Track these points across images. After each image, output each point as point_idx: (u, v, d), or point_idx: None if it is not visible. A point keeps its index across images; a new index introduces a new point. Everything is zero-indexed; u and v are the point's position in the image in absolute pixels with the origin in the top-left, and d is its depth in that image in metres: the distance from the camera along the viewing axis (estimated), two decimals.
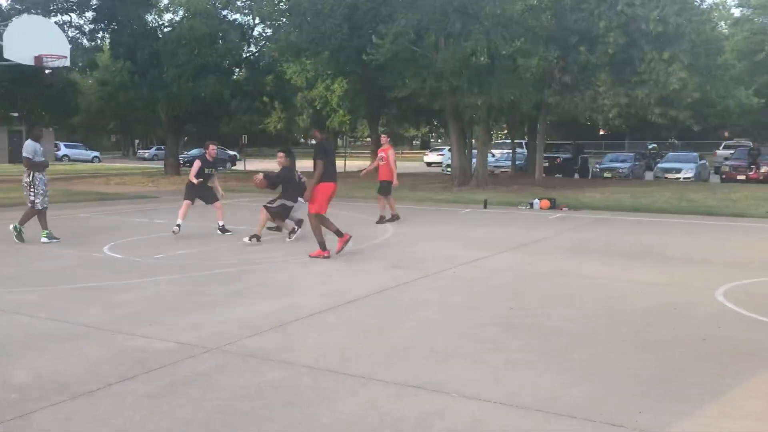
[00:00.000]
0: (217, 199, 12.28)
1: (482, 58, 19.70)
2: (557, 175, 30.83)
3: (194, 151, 49.47)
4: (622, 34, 20.67)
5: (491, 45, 19.91)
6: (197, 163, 12.18)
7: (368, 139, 46.72)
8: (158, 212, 12.35)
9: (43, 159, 10.93)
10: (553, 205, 16.99)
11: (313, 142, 12.91)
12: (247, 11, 30.41)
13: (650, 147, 44.62)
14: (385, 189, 13.70)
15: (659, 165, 30.65)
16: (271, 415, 3.96)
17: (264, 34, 32.84)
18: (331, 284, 7.68)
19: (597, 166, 31.88)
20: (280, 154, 11.76)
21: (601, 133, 60.56)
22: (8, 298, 6.86)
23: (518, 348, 5.30)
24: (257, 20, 31.33)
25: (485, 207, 17.17)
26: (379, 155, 13.95)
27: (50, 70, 22.83)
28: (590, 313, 6.45)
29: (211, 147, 12.28)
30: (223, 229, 11.95)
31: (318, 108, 51.53)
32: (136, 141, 72.68)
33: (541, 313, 6.40)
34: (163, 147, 34.15)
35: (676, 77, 20.62)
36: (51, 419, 3.88)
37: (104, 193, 20.66)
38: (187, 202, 12.00)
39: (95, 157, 54.11)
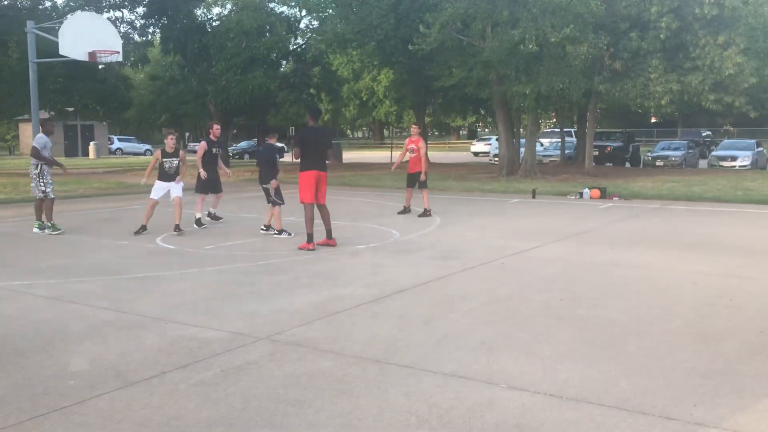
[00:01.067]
0: (222, 190, 12.43)
1: (530, 46, 19.43)
2: (608, 164, 30.29)
3: (243, 144, 50.18)
4: (674, 18, 20.13)
5: (539, 32, 19.62)
6: (203, 145, 12.10)
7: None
8: (207, 204, 12.54)
9: (49, 155, 11.14)
10: (604, 195, 16.70)
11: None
12: (293, 3, 30.57)
13: (704, 134, 43.48)
14: (414, 181, 13.33)
15: (714, 153, 29.84)
16: (321, 404, 4.00)
17: (310, 26, 33.03)
18: (380, 275, 7.71)
19: (648, 154, 31.22)
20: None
21: (653, 120, 59.27)
22: (66, 288, 7.08)
23: (568, 339, 5.24)
24: (304, 12, 31.51)
25: (534, 197, 16.98)
26: (408, 147, 13.58)
27: (103, 66, 23.42)
28: (642, 304, 6.33)
29: (215, 126, 12.37)
30: (215, 217, 12.20)
31: (364, 99, 51.71)
32: (187, 134, 73.97)
33: (592, 305, 6.31)
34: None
35: (732, 62, 20.00)
36: (108, 406, 3.99)
37: None
38: (200, 195, 12.03)
39: (147, 150, 55.24)
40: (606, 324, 5.66)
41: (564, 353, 4.91)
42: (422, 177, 13.22)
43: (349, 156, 42.88)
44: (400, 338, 5.28)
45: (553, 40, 19.40)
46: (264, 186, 11.08)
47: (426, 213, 13.14)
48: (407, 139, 13.80)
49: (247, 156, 46.43)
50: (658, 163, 29.33)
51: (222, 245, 9.82)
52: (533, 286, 7.13)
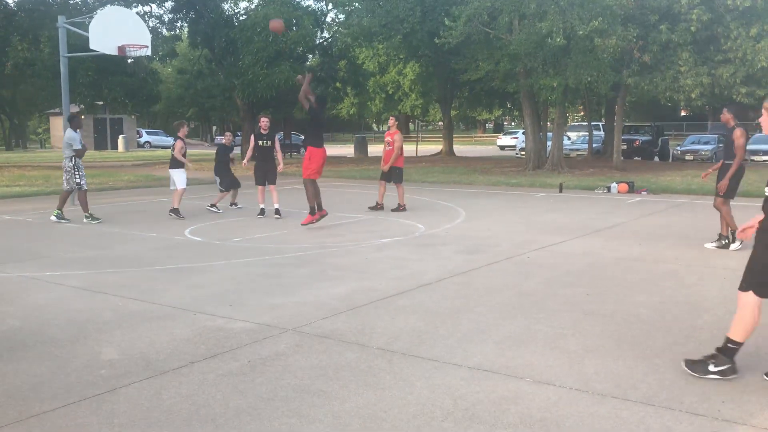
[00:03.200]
0: (274, 182, 12.54)
1: (558, 39, 19.26)
2: (636, 158, 30.00)
3: None
4: (705, 10, 19.82)
5: (567, 25, 19.45)
6: (251, 138, 12.61)
7: (440, 123, 46.50)
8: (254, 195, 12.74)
9: (80, 146, 11.76)
10: (632, 189, 16.54)
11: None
12: None
13: None
14: (389, 175, 13.13)
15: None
16: (346, 395, 4.04)
17: (337, 20, 33.10)
18: (405, 268, 7.73)
19: (678, 148, 30.84)
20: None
21: (683, 114, 58.44)
22: (97, 279, 7.20)
23: (594, 334, 5.22)
24: (330, 6, 31.59)
25: (561, 191, 16.87)
26: (385, 139, 13.36)
27: (132, 60, 23.68)
28: (670, 299, 6.28)
29: (263, 120, 12.61)
30: (277, 212, 12.26)
31: (390, 93, 51.68)
32: (214, 127, 74.55)
33: (619, 300, 6.27)
34: (239, 133, 34.91)
35: (765, 54, 19.64)
36: (138, 395, 4.06)
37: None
38: (259, 187, 12.45)
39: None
40: (633, 319, 5.62)
41: (590, 348, 4.89)
42: (383, 167, 13.16)
43: (374, 149, 42.88)
44: (426, 331, 5.30)
45: (581, 32, 19.22)
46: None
47: (400, 208, 12.92)
48: (386, 132, 13.61)
49: None
50: (688, 157, 28.96)
51: (249, 237, 9.91)
52: (559, 280, 7.10)
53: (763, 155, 26.83)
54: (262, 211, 12.15)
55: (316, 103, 10.64)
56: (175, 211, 12.05)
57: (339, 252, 8.77)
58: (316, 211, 10.47)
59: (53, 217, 11.75)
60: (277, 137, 12.61)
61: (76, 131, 11.75)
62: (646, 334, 5.23)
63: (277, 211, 12.10)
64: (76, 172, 11.66)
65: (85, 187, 11.85)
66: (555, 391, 4.11)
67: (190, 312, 5.86)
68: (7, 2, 27.81)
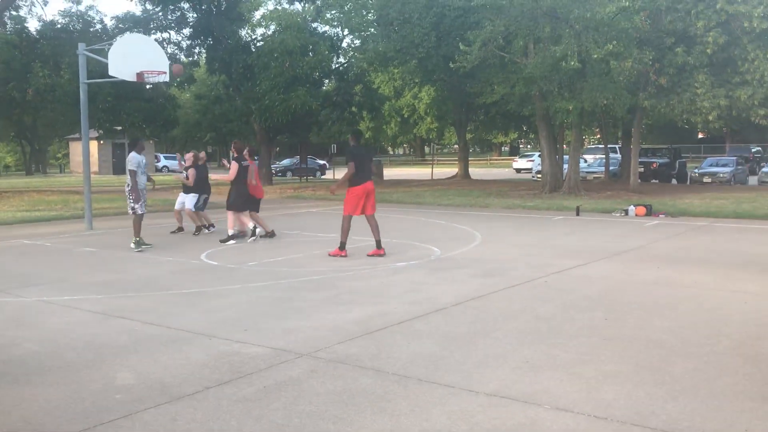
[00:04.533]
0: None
1: (573, 63, 19.29)
2: (653, 181, 29.81)
3: (285, 161, 50.76)
4: (722, 33, 19.78)
5: (582, 49, 19.48)
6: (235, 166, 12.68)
7: (456, 146, 46.59)
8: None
9: (142, 172, 11.56)
10: (650, 212, 16.41)
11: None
12: (336, 23, 30.98)
13: (754, 150, 42.44)
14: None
15: (764, 169, 29.10)
16: (361, 422, 4.00)
17: (352, 45, 33.40)
18: (420, 292, 7.69)
19: (696, 170, 30.62)
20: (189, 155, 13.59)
21: (700, 136, 58.10)
22: (113, 303, 7.23)
23: (613, 360, 5.14)
24: (346, 31, 31.88)
25: (578, 214, 16.78)
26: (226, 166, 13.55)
27: (150, 86, 23.96)
28: (690, 324, 6.19)
29: (247, 149, 13.15)
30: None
31: (406, 116, 51.93)
32: (231, 152, 75.11)
33: (638, 325, 6.19)
34: (256, 157, 35.17)
35: None
36: (153, 420, 4.05)
37: None
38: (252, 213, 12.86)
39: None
40: (652, 344, 5.54)
41: (609, 374, 4.82)
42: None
43: (390, 173, 43.02)
44: (442, 356, 5.26)
45: (596, 56, 19.24)
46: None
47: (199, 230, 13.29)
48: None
49: (289, 173, 46.94)
50: (706, 179, 28.74)
51: (264, 261, 9.93)
52: (577, 305, 7.03)
53: None
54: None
55: (353, 140, 10.60)
56: (200, 228, 13.07)
57: (354, 276, 8.76)
58: (377, 248, 10.34)
59: (132, 246, 11.22)
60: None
61: (140, 154, 11.59)
62: (666, 359, 5.15)
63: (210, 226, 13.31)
64: (131, 196, 11.34)
65: (139, 212, 11.36)
66: (573, 417, 4.05)
67: (206, 336, 5.86)
68: (29, 30, 28.36)
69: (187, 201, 13.26)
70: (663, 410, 4.14)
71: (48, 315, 6.76)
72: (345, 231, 10.32)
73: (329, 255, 10.30)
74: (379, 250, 10.31)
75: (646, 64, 20.48)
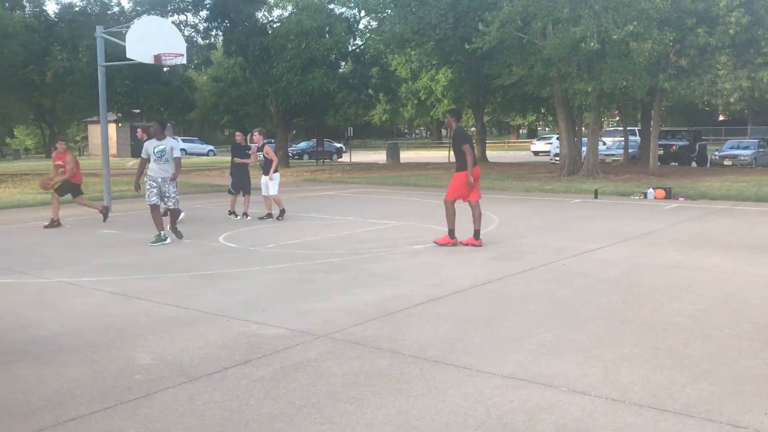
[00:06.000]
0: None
1: (592, 44, 19.06)
2: (673, 164, 29.52)
3: (302, 144, 50.80)
4: (745, 13, 19.45)
5: (601, 30, 19.23)
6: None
7: (473, 128, 46.31)
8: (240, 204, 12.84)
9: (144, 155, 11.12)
10: (669, 195, 16.26)
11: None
12: (352, 4, 30.80)
13: None
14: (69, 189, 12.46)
15: None
16: (378, 403, 4.02)
17: (369, 27, 33.19)
18: (438, 275, 7.69)
19: (716, 153, 30.26)
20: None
21: (721, 118, 57.40)
22: (133, 285, 7.30)
23: (631, 343, 5.12)
24: (363, 13, 31.70)
25: (596, 197, 16.66)
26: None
27: (168, 68, 24.00)
28: (709, 308, 6.14)
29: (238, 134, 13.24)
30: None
31: (423, 98, 51.68)
32: (248, 135, 75.31)
33: (656, 308, 6.15)
34: (273, 140, 35.22)
35: None
36: (172, 400, 4.09)
37: (219, 186, 21.54)
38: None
39: (210, 150, 56.45)
40: (671, 328, 5.51)
41: (626, 357, 4.80)
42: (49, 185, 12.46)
43: (406, 156, 42.92)
44: (459, 339, 5.26)
45: (615, 37, 18.99)
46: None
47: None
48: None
49: (306, 156, 46.98)
50: (727, 162, 28.40)
51: (282, 244, 9.96)
52: (595, 288, 7.00)
53: None
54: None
55: (455, 121, 9.82)
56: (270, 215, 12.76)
57: (371, 258, 8.77)
58: (474, 237, 9.58)
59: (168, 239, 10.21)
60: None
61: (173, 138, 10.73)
62: (685, 342, 5.12)
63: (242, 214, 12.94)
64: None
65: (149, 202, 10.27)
66: (591, 400, 4.04)
67: (224, 317, 5.90)
68: (48, 13, 28.47)
69: (271, 186, 12.60)
70: (682, 393, 4.12)
71: (68, 296, 6.83)
72: (451, 217, 9.55)
73: (436, 243, 9.56)
74: (476, 241, 9.51)
75: (667, 45, 20.19)
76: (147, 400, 4.10)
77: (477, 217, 9.60)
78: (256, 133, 13.06)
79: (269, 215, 12.81)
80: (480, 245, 9.48)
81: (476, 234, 9.58)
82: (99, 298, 6.70)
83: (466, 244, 9.54)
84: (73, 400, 4.09)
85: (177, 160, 10.26)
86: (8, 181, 24.18)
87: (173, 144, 10.28)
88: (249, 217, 12.88)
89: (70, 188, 12.46)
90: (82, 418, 3.84)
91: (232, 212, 13.14)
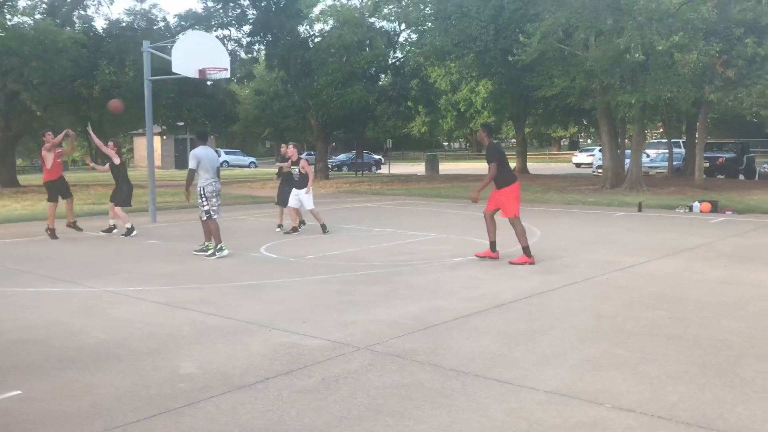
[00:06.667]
0: (118, 203, 12.72)
1: (636, 55, 18.80)
2: (719, 176, 28.89)
3: (341, 156, 51.10)
4: None
5: (645, 41, 18.97)
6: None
7: (513, 140, 46.06)
8: (308, 215, 12.86)
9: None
10: (715, 209, 15.91)
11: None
12: (393, 18, 30.99)
13: None
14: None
15: None
16: (419, 416, 4.00)
17: (409, 40, 33.33)
18: (479, 288, 7.64)
19: (765, 166, 29.49)
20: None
21: None
22: (176, 294, 7.41)
23: (677, 360, 5.01)
24: (403, 26, 31.86)
25: (640, 210, 16.39)
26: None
27: (212, 82, 24.44)
28: (759, 325, 5.97)
29: (295, 148, 12.93)
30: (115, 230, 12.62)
31: (462, 110, 51.60)
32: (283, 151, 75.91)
33: (703, 324, 6.01)
34: (313, 152, 35.50)
35: None
36: (215, 409, 4.14)
37: (260, 197, 21.80)
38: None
39: (252, 162, 57.17)
40: (719, 345, 5.38)
41: (673, 374, 4.70)
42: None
43: (445, 167, 42.83)
44: (500, 353, 5.21)
45: (660, 48, 18.70)
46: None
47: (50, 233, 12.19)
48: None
49: (345, 168, 47.22)
50: None
51: (322, 255, 10.01)
52: (640, 303, 6.87)
53: None
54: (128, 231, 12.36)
55: (487, 137, 9.50)
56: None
57: (411, 270, 8.76)
58: (492, 250, 9.42)
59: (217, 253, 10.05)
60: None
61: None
62: (734, 360, 4.99)
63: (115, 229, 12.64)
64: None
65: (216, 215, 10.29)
66: (636, 418, 3.96)
67: (266, 328, 5.95)
68: (96, 29, 29.21)
69: (305, 201, 12.42)
70: (732, 413, 4.01)
71: (114, 305, 6.97)
72: (521, 234, 9.19)
73: (477, 256, 9.40)
74: (493, 253, 9.38)
75: (713, 56, 19.80)
76: (191, 408, 4.15)
77: (520, 234, 9.23)
78: (290, 147, 12.82)
79: (280, 226, 12.95)
80: (533, 262, 9.13)
81: (526, 251, 9.20)
82: (144, 308, 6.82)
83: (515, 263, 9.13)
84: (121, 408, 4.16)
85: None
86: None
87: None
88: (304, 226, 13.01)
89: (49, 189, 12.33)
90: (129, 425, 3.91)
91: (294, 228, 12.76)
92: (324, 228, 12.55)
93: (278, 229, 12.93)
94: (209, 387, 4.51)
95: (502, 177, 9.27)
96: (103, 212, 17.13)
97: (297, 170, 12.56)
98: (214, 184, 10.16)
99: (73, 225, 12.58)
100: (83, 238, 12.29)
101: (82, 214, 16.85)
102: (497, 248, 9.49)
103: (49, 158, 12.23)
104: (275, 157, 66.52)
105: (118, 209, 12.52)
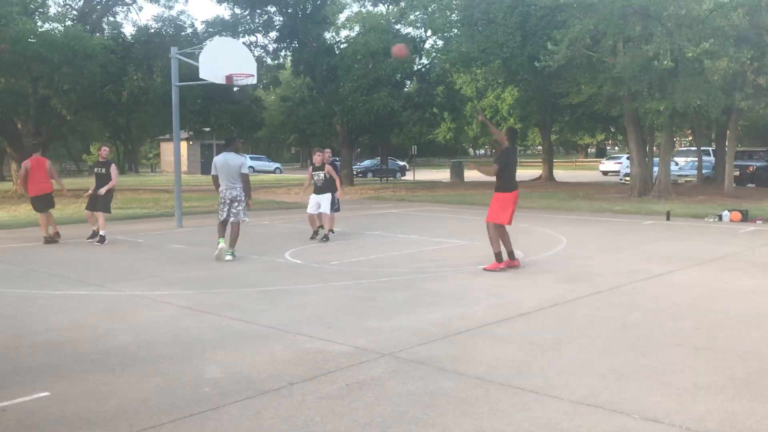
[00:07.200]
0: (104, 210, 12.58)
1: (666, 62, 18.60)
2: (750, 185, 28.43)
3: (366, 162, 51.22)
4: None
5: (674, 47, 18.77)
6: (310, 169, 12.95)
7: (540, 147, 45.80)
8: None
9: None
10: (746, 218, 15.66)
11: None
12: (419, 24, 31.00)
13: None
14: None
15: None
16: (443, 423, 3.98)
17: (435, 46, 33.33)
18: (503, 296, 7.59)
19: None
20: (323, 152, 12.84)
21: None
22: (201, 299, 7.46)
23: (706, 371, 4.93)
24: (429, 32, 31.86)
25: (668, 219, 16.18)
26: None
27: (238, 88, 24.63)
28: None
29: (103, 149, 13.11)
30: (96, 236, 12.36)
31: (488, 117, 51.45)
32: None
33: (732, 335, 5.91)
34: (338, 159, 35.66)
35: None
36: (239, 414, 4.15)
37: (285, 203, 21.92)
38: (86, 212, 12.77)
39: (277, 168, 57.49)
40: (749, 356, 5.28)
41: (701, 385, 4.62)
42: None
43: (470, 174, 42.70)
44: (525, 362, 5.17)
45: (689, 55, 18.48)
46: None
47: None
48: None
49: (370, 174, 47.30)
50: None
51: (346, 261, 10.03)
52: (667, 312, 6.77)
53: None
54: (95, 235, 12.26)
55: (507, 140, 9.44)
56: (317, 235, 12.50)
57: (435, 277, 8.73)
58: (503, 259, 9.24)
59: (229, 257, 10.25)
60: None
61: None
62: (764, 372, 4.90)
63: (96, 236, 12.26)
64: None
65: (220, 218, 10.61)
66: (664, 429, 3.90)
67: (290, 333, 5.96)
68: (125, 35, 29.65)
69: (323, 203, 12.44)
70: (762, 425, 3.93)
71: (140, 309, 7.04)
72: (495, 240, 9.11)
73: (484, 270, 9.14)
74: (513, 261, 9.30)
75: (744, 63, 19.51)
76: (215, 413, 4.17)
77: (493, 239, 9.18)
78: (318, 154, 12.84)
79: (324, 236, 12.41)
80: (518, 265, 9.27)
81: (510, 255, 9.28)
82: (169, 312, 6.88)
83: (504, 267, 9.14)
84: (147, 411, 4.19)
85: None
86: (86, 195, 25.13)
87: None
88: (333, 233, 12.74)
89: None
90: (154, 428, 3.93)
91: (315, 232, 12.69)
92: (324, 237, 12.29)
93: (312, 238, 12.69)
94: (233, 391, 4.53)
95: (502, 182, 9.29)
96: (127, 217, 17.34)
97: (322, 175, 12.57)
98: (224, 191, 10.46)
99: (51, 237, 12.43)
100: (110, 243, 12.43)
101: (109, 219, 17.05)
102: (515, 256, 9.44)
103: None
104: (310, 163, 66.53)
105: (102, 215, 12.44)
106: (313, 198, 12.62)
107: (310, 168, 13.01)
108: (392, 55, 10.41)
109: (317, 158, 12.75)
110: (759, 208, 17.81)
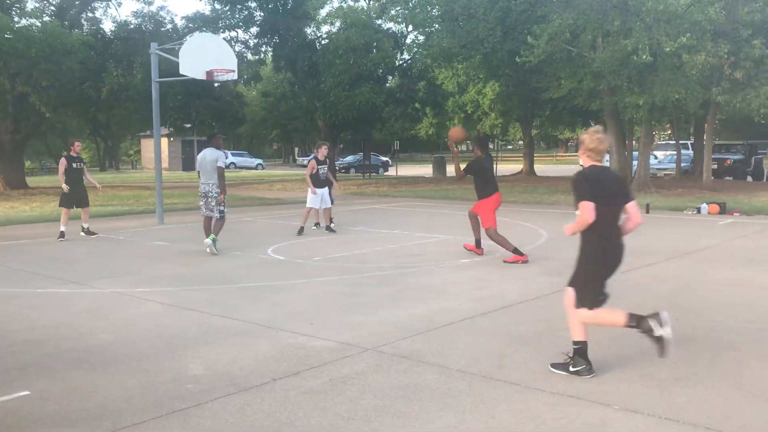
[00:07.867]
0: (86, 205, 12.92)
1: (645, 57, 18.75)
2: (727, 178, 28.79)
3: (349, 158, 51.16)
4: None
5: (653, 42, 18.93)
6: (312, 164, 12.96)
7: (521, 142, 46.00)
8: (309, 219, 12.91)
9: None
10: (723, 210, 15.85)
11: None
12: (400, 20, 30.98)
13: None
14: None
15: None
16: (427, 417, 4.01)
17: (416, 42, 33.32)
18: (486, 289, 7.64)
19: None
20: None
21: None
22: (184, 296, 7.44)
23: (685, 361, 5.00)
24: (410, 28, 31.86)
25: (647, 212, 16.33)
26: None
27: (219, 84, 24.48)
28: (766, 326, 5.95)
29: (76, 143, 12.88)
30: (328, 228, 12.92)
31: (469, 112, 51.59)
32: (296, 149, 76.19)
33: (711, 326, 5.99)
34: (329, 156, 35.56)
35: None
36: (222, 410, 4.15)
37: (267, 199, 21.84)
38: (64, 209, 12.66)
39: (259, 164, 57.27)
40: (726, 346, 5.36)
41: (681, 376, 4.69)
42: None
43: (452, 169, 42.81)
44: (507, 354, 5.21)
45: (668, 49, 18.66)
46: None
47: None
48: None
49: (353, 170, 47.26)
50: None
51: (329, 257, 10.03)
52: (647, 304, 6.83)
53: None
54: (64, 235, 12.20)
55: (479, 149, 10.25)
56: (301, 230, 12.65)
57: (418, 272, 8.76)
58: (522, 253, 9.53)
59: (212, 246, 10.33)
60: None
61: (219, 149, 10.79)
62: (741, 362, 4.98)
63: (86, 230, 12.64)
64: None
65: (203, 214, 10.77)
66: (644, 419, 3.95)
67: (273, 329, 5.96)
68: (104, 31, 29.33)
69: (325, 197, 12.87)
70: (738, 414, 4.00)
71: (122, 306, 7.00)
72: (502, 241, 9.48)
73: (504, 261, 9.41)
74: (478, 249, 9.98)
75: (721, 58, 19.73)
76: (198, 409, 4.16)
77: (501, 243, 9.57)
78: (324, 148, 13.08)
79: (328, 227, 13.04)
80: (526, 260, 9.42)
81: (477, 243, 10.02)
82: (151, 309, 6.85)
83: (470, 250, 10.04)
84: (129, 408, 4.18)
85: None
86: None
87: None
88: (333, 224, 13.17)
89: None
90: (137, 425, 3.92)
91: (316, 223, 13.42)
92: (301, 231, 12.60)
93: (314, 227, 13.30)
94: (216, 388, 4.53)
95: (480, 189, 9.84)
96: (108, 214, 17.22)
97: (326, 169, 13.04)
98: (202, 186, 10.67)
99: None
100: (90, 240, 12.33)
101: (89, 216, 16.92)
102: (482, 246, 10.04)
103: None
104: (296, 158, 66.10)
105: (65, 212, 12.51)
106: (318, 192, 12.83)
107: (313, 162, 12.90)
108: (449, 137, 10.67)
109: (323, 152, 12.92)
110: (736, 200, 18.04)
